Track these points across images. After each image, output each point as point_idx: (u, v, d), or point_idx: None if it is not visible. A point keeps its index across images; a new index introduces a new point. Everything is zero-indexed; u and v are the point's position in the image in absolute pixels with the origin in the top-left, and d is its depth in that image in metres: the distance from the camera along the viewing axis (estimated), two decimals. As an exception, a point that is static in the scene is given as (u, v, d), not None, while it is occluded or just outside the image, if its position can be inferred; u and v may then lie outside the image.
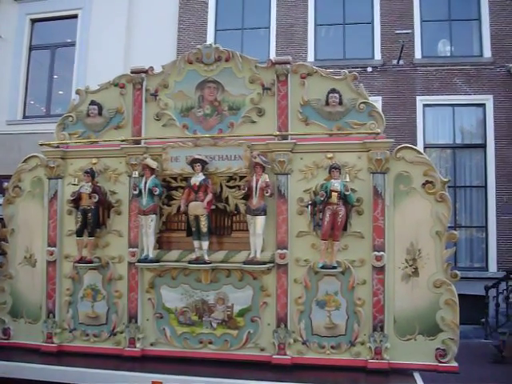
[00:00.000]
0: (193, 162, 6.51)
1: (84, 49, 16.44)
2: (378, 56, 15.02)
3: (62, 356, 6.92)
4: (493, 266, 14.69)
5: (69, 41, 17.03)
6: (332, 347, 6.32)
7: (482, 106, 15.05)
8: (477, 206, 14.69)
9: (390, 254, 6.24)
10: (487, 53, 15.18)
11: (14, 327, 7.29)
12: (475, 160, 14.76)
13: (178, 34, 15.66)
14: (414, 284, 6.21)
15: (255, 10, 15.72)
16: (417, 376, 6.02)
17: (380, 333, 6.15)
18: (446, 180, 6.26)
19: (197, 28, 15.36)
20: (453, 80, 15.04)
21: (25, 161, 7.39)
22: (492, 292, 13.01)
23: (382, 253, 6.19)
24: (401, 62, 14.90)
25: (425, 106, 14.97)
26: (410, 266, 6.23)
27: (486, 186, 14.63)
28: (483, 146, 14.87)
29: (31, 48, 17.00)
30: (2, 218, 7.46)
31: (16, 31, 16.89)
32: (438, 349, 6.10)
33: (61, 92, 16.88)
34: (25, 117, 16.63)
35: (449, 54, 15.59)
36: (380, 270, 6.20)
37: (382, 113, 6.46)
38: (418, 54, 15.19)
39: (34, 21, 17.08)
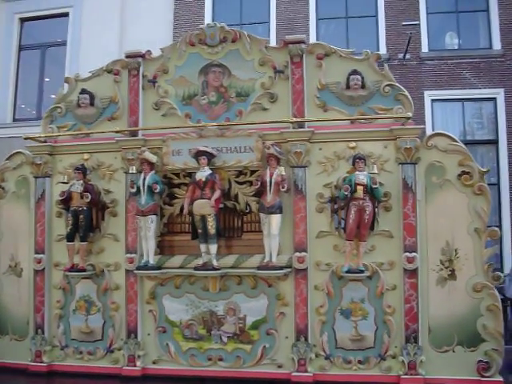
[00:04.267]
0: (198, 155, 5.79)
1: (76, 48, 15.75)
2: (383, 50, 14.33)
3: (52, 377, 6.17)
4: (508, 266, 14.00)
5: (60, 40, 16.35)
6: (359, 362, 5.62)
7: (493, 100, 14.39)
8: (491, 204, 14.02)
9: (423, 255, 5.56)
10: (497, 45, 14.53)
11: (-2, 345, 6.52)
12: (487, 156, 14.14)
13: (173, 30, 14.96)
14: (450, 288, 5.52)
15: (254, 5, 15.09)
16: (458, 393, 5.31)
17: (414, 344, 5.45)
18: (485, 170, 5.56)
19: (193, 23, 14.58)
20: (462, 74, 14.36)
21: (8, 158, 6.65)
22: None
23: (413, 254, 5.50)
24: (407, 56, 14.21)
25: (433, 101, 14.28)
26: (446, 268, 5.54)
27: (499, 184, 13.99)
28: (495, 142, 14.24)
29: (21, 48, 16.32)
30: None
31: (4, 31, 16.19)
32: (479, 361, 5.40)
33: (52, 95, 16.18)
34: (15, 120, 15.94)
35: (457, 47, 14.91)
36: (412, 273, 5.51)
37: (409, 96, 5.75)
38: (424, 48, 14.49)
39: (23, 20, 16.40)
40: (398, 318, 5.54)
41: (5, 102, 15.87)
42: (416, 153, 5.55)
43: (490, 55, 14.47)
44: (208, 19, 14.75)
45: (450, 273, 5.52)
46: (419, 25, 14.11)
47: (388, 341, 5.56)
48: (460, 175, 5.54)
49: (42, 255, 6.33)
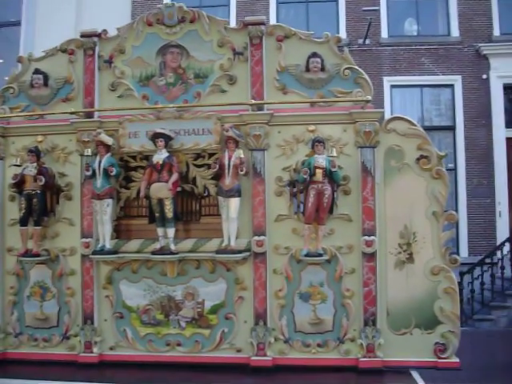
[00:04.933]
0: (154, 137, 5.66)
1: (31, 28, 15.30)
2: (343, 35, 14.36)
3: (6, 365, 6.00)
4: (464, 251, 14.31)
5: (13, 20, 15.86)
6: (318, 345, 5.61)
7: (451, 86, 14.67)
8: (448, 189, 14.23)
9: (382, 239, 5.55)
10: (455, 32, 14.77)
11: (-51, 333, 6.29)
12: (444, 142, 14.40)
13: (132, 10, 14.68)
14: (408, 271, 5.54)
15: (214, -14, 14.96)
16: (415, 374, 5.38)
17: (372, 327, 5.46)
18: (442, 154, 5.59)
19: (152, 3, 14.29)
20: (420, 60, 14.57)
21: (-41, 140, 6.37)
22: (467, 278, 12.54)
23: (372, 237, 5.50)
24: (367, 42, 14.34)
25: (392, 86, 14.50)
26: (404, 251, 5.56)
27: (455, 169, 14.32)
28: (452, 128, 14.52)
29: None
30: None
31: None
32: (436, 343, 5.45)
33: (6, 77, 15.68)
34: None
35: (416, 34, 15.11)
36: (371, 256, 5.51)
37: (369, 79, 5.73)
38: (384, 34, 14.65)
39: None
40: (356, 302, 5.55)
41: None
42: (375, 136, 5.53)
43: (448, 42, 14.77)
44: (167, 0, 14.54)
45: (408, 256, 5.53)
46: (379, 10, 14.26)
47: (347, 324, 5.56)
48: (418, 159, 5.54)
49: (-6, 240, 6.13)
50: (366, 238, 5.49)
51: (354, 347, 5.53)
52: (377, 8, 13.98)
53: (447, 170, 5.76)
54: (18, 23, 15.55)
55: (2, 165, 6.20)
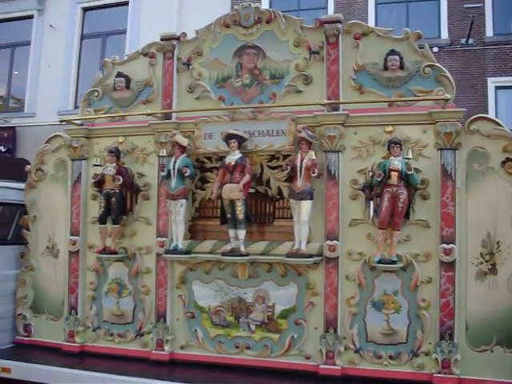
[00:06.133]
0: (228, 138, 5.65)
1: (135, 35, 15.92)
2: (444, 35, 13.67)
3: (84, 357, 6.23)
4: None
5: (120, 28, 16.59)
6: (390, 357, 5.33)
7: (562, 86, 13.52)
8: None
9: (462, 247, 5.20)
10: None
11: (35, 323, 6.66)
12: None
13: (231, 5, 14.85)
14: (491, 283, 5.13)
15: (312, -10, 14.82)
16: (494, 396, 4.95)
17: (449, 342, 5.11)
18: (531, 157, 5.13)
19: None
20: (528, 59, 13.55)
21: (48, 141, 6.74)
22: None
23: (451, 245, 5.15)
24: (470, 41, 13.49)
25: (497, 88, 13.53)
26: (487, 261, 5.16)
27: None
28: None
29: (83, 37, 16.67)
30: (24, 204, 6.80)
31: (67, 21, 16.57)
32: (521, 363, 4.99)
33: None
34: (76, 107, 16.28)
35: (523, 31, 14.08)
36: (449, 265, 5.16)
37: (451, 77, 5.38)
38: (489, 32, 13.72)
39: (85, 9, 16.74)
40: (432, 313, 5.21)
41: (67, 90, 16.28)
42: (456, 138, 5.19)
43: (559, 39, 13.53)
44: (265, 4, 14.58)
45: (490, 267, 5.13)
46: (483, 7, 13.38)
47: (421, 336, 5.24)
48: (504, 162, 5.13)
49: (76, 237, 6.38)
50: (445, 245, 5.15)
51: (428, 362, 5.19)
52: (480, 5, 13.18)
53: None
54: (124, 31, 16.24)
55: (85, 165, 6.46)
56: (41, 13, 15.89)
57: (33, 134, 14.81)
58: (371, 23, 14.12)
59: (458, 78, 13.11)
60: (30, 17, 15.96)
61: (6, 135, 15.38)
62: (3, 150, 15.06)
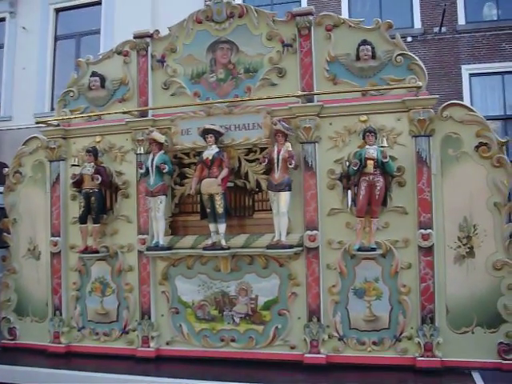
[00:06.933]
0: (204, 133, 5.68)
1: (109, 35, 15.82)
2: (417, 24, 13.81)
3: (70, 357, 6.23)
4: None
5: (94, 28, 16.48)
6: (374, 343, 5.41)
7: (536, 71, 13.70)
8: None
9: (440, 232, 5.28)
10: (539, 14, 13.80)
11: (20, 326, 6.65)
12: (530, 131, 13.55)
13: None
14: (469, 266, 5.23)
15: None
16: (476, 376, 5.04)
17: (430, 325, 5.20)
18: (504, 140, 5.22)
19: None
20: (501, 46, 13.71)
21: (25, 143, 6.71)
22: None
23: (429, 230, 5.24)
24: (443, 30, 13.64)
25: (471, 75, 13.69)
26: (464, 245, 5.25)
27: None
28: (539, 116, 13.60)
29: (56, 38, 16.53)
30: (4, 208, 6.76)
31: (40, 22, 16.42)
32: (500, 343, 5.10)
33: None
34: (52, 109, 16.15)
35: (495, 18, 14.24)
36: (428, 250, 5.25)
37: (423, 65, 5.44)
38: (461, 20, 13.87)
39: (58, 10, 16.60)
40: (413, 298, 5.30)
41: (43, 92, 16.14)
42: (430, 124, 5.26)
43: (532, 25, 13.72)
44: None
45: (468, 250, 5.22)
46: (455, -4, 13.54)
47: (403, 321, 5.32)
48: (478, 147, 5.21)
49: (58, 238, 6.37)
50: (423, 231, 5.23)
51: (411, 346, 5.28)
52: (451, -7, 13.33)
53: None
54: (97, 31, 16.14)
55: (64, 165, 6.44)
56: (13, 15, 15.72)
57: (11, 138, 14.65)
58: (345, 15, 14.19)
59: (432, 66, 13.29)
60: (2, 19, 15.78)
61: (-17, 140, 15.24)
62: (-19, 154, 14.91)
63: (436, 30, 13.45)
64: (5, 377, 5.94)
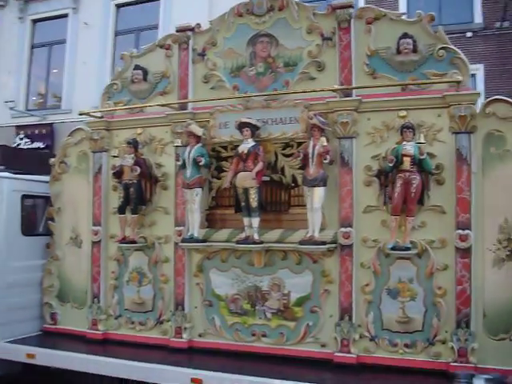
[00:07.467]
0: (241, 127, 5.67)
1: (167, 30, 16.05)
2: (478, 19, 13.28)
3: (106, 344, 6.37)
4: None
5: (152, 24, 16.75)
6: (406, 345, 5.26)
7: None
8: None
9: (478, 233, 5.07)
10: None
11: (61, 312, 6.87)
12: None
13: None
14: (509, 270, 4.99)
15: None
16: (511, 385, 4.81)
17: (465, 330, 5.00)
18: (549, 139, 4.95)
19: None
20: None
21: (70, 134, 6.91)
22: None
23: (467, 231, 5.04)
24: (505, 24, 13.08)
25: (534, 71, 13.12)
26: (504, 247, 5.01)
27: None
28: None
29: (116, 33, 16.90)
30: (49, 196, 6.98)
31: (101, 17, 16.84)
32: (540, 352, 4.85)
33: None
34: (110, 103, 16.60)
35: (563, 12, 13.54)
36: (465, 252, 5.05)
37: (466, 59, 5.23)
38: (526, 14, 13.31)
39: (118, 6, 16.97)
40: (449, 301, 5.11)
41: (102, 86, 16.09)
42: (472, 121, 5.06)
43: None
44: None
45: (508, 253, 4.99)
46: (520, -13, 12.93)
47: (437, 325, 5.14)
48: (522, 145, 4.99)
49: (98, 227, 6.53)
50: (461, 231, 5.04)
51: (444, 350, 5.10)
52: (516, -15, 12.76)
53: None
54: (156, 27, 16.39)
55: (106, 157, 6.58)
56: (75, 11, 16.15)
57: (69, 130, 15.13)
58: (402, 8, 13.87)
59: (493, 63, 12.78)
60: (65, 15, 16.25)
61: (44, 132, 15.75)
62: (42, 146, 15.44)
63: (498, 24, 12.91)
64: (43, 359, 6.16)
